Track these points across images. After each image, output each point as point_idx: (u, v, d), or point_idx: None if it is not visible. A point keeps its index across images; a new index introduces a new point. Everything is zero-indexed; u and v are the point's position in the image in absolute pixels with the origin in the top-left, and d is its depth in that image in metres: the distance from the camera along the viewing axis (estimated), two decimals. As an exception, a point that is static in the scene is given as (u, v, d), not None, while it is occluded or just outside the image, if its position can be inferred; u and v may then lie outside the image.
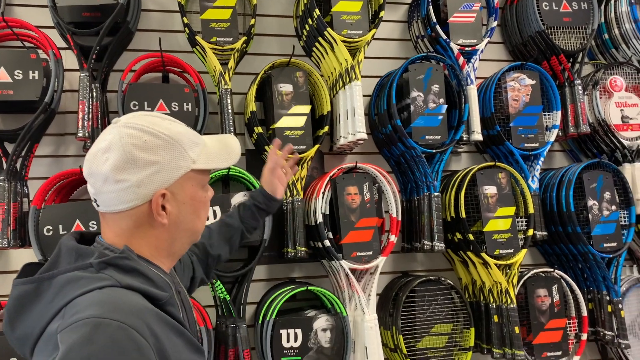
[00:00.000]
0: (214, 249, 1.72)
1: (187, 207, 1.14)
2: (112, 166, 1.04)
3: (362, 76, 2.50)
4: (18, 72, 2.21)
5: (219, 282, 2.28)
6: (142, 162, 1.05)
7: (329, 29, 2.44)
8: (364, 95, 2.52)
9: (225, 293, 2.27)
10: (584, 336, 2.62)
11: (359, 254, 2.38)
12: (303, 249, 2.40)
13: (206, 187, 1.21)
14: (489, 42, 2.80)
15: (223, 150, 1.22)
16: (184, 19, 2.43)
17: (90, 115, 2.28)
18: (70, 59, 2.40)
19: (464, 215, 2.50)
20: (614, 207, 2.70)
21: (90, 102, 2.29)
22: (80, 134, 2.23)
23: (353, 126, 2.44)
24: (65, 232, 2.14)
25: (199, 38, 2.42)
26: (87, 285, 0.96)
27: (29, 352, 0.99)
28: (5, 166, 2.18)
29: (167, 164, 1.08)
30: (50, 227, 2.13)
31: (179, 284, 1.26)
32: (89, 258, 1.03)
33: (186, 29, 2.43)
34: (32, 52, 2.26)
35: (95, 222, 2.16)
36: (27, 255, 2.35)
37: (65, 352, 0.85)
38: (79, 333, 0.87)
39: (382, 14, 2.57)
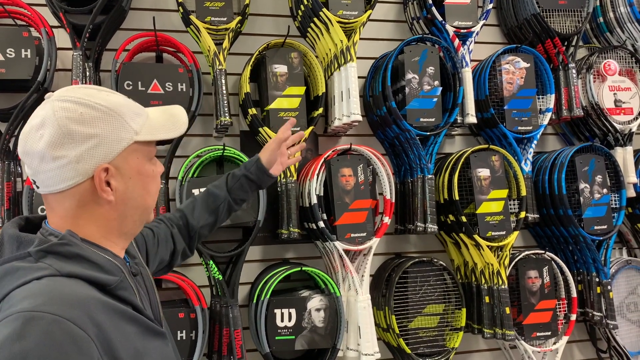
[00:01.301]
0: (197, 220, 1.67)
1: (135, 182, 1.08)
2: (48, 142, 0.98)
3: (357, 58, 2.49)
4: (10, 51, 2.19)
5: (212, 262, 2.29)
6: (80, 136, 0.99)
7: (324, 10, 2.43)
8: (358, 77, 2.51)
9: (218, 273, 2.29)
10: (573, 317, 2.66)
11: (352, 235, 2.40)
12: (297, 230, 2.41)
13: (154, 161, 1.15)
14: (484, 25, 2.79)
15: (168, 121, 1.15)
16: (178, -3, 2.40)
17: (83, 95, 2.26)
18: (62, 38, 2.37)
19: (457, 198, 2.52)
20: (605, 190, 2.73)
21: (84, 82, 2.27)
22: (73, 114, 2.22)
23: (348, 108, 2.44)
24: (59, 211, 2.13)
25: (193, 17, 2.40)
26: (24, 276, 0.90)
27: None
28: (-2, 145, 2.17)
29: (106, 136, 1.02)
30: (44, 207, 2.13)
31: (138, 265, 1.19)
32: (30, 246, 0.96)
33: (180, 8, 2.41)
34: (24, 30, 2.24)
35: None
36: (21, 235, 2.35)
37: None
38: (9, 328, 0.81)
39: (377, -6, 2.55)
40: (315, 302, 2.33)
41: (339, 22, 2.45)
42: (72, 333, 0.84)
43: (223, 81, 2.38)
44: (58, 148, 0.98)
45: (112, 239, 1.09)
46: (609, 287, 2.70)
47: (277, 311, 2.28)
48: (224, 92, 2.38)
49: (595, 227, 2.69)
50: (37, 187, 1.04)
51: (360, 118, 2.43)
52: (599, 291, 2.71)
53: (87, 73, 2.30)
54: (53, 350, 0.81)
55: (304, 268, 2.39)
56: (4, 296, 0.89)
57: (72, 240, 0.99)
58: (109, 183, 1.04)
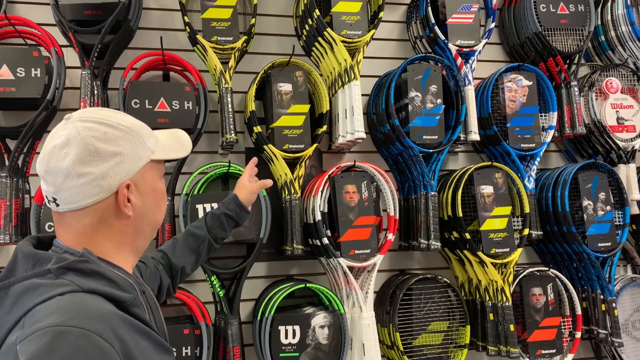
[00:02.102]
0: (179, 260, 1.70)
1: (150, 199, 1.13)
2: (74, 160, 1.02)
3: (361, 76, 2.53)
4: (20, 70, 2.23)
5: (215, 278, 2.31)
6: (105, 154, 1.04)
7: (328, 29, 2.47)
8: (362, 95, 2.54)
9: (220, 289, 2.30)
10: (578, 334, 2.66)
11: (357, 251, 2.41)
12: (301, 246, 2.42)
13: (162, 179, 1.21)
14: (486, 43, 2.83)
15: (175, 142, 1.23)
16: (185, 17, 2.45)
17: (91, 113, 2.29)
18: (71, 57, 2.41)
19: (460, 214, 2.53)
20: (608, 208, 2.73)
21: (92, 100, 2.31)
22: (81, 132, 2.25)
23: (352, 125, 2.47)
24: (66, 228, 2.16)
25: (199, 37, 2.44)
26: (46, 292, 0.92)
27: None
28: (7, 163, 2.20)
29: (129, 154, 1.08)
30: (52, 224, 2.16)
31: (144, 284, 1.24)
32: (47, 264, 0.98)
33: (187, 27, 2.45)
34: (35, 49, 2.28)
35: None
36: (28, 251, 2.38)
37: None
38: (39, 343, 0.83)
39: (381, 14, 2.59)
40: (320, 319, 2.33)
41: (343, 41, 2.49)
42: (100, 346, 0.86)
43: (229, 99, 2.41)
44: (84, 165, 1.02)
45: (125, 255, 1.13)
46: (613, 305, 2.69)
47: (282, 328, 2.28)
48: (230, 110, 2.41)
49: (599, 244, 2.69)
50: (57, 205, 1.05)
51: (364, 135, 2.45)
52: (603, 308, 2.70)
53: (95, 91, 2.34)
54: None
55: (308, 285, 2.39)
56: (26, 312, 0.91)
57: (91, 258, 1.02)
58: (129, 199, 1.09)
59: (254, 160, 1.99)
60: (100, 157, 1.03)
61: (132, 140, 1.09)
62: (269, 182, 1.94)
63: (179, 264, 1.70)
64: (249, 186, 1.89)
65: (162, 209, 1.20)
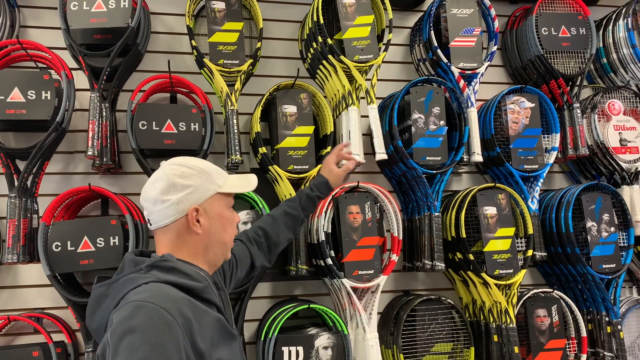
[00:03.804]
0: (277, 235, 1.99)
1: (216, 222, 1.44)
2: (159, 190, 1.38)
3: (364, 98, 2.57)
4: (31, 92, 2.28)
5: (222, 298, 2.32)
6: (180, 186, 1.39)
7: (342, 57, 2.52)
8: (362, 117, 2.58)
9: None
10: (584, 357, 2.64)
11: (360, 272, 2.42)
12: (305, 267, 2.44)
13: (232, 210, 1.51)
14: (489, 66, 2.86)
15: (243, 182, 1.55)
16: (192, 41, 2.50)
17: (99, 134, 2.34)
18: (81, 80, 2.46)
19: (464, 235, 2.54)
20: (612, 229, 2.73)
21: (100, 122, 2.36)
22: (90, 153, 2.29)
23: (355, 147, 2.49)
24: (73, 248, 2.19)
25: (206, 60, 2.49)
26: (137, 281, 1.27)
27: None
28: (16, 183, 2.24)
29: (198, 187, 1.41)
30: (59, 243, 2.19)
31: (221, 283, 1.56)
32: (142, 265, 1.33)
33: (194, 51, 2.51)
34: (45, 72, 2.33)
35: (102, 239, 2.21)
36: (36, 270, 2.41)
37: (114, 325, 1.16)
38: (125, 312, 1.17)
39: (389, 36, 2.64)
40: (323, 340, 2.33)
41: (355, 66, 2.53)
42: (165, 318, 1.16)
43: (235, 121, 2.45)
44: (165, 194, 1.38)
45: (199, 263, 1.43)
46: (619, 327, 2.67)
47: (285, 349, 2.28)
48: (236, 131, 2.45)
49: (604, 266, 2.68)
50: (150, 225, 1.42)
51: (385, 156, 2.50)
52: (609, 331, 2.68)
53: (104, 113, 2.39)
54: (152, 328, 1.14)
55: (311, 305, 2.40)
56: (124, 295, 1.25)
57: (170, 258, 1.35)
58: (199, 220, 1.41)
59: (345, 143, 2.27)
60: (177, 188, 1.39)
61: (203, 177, 1.42)
62: (351, 166, 2.18)
63: (278, 239, 2.00)
64: (337, 171, 2.14)
65: (229, 232, 1.50)
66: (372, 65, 2.58)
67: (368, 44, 2.60)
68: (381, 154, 2.49)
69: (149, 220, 1.43)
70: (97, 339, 1.32)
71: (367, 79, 2.60)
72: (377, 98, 2.85)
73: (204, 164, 1.46)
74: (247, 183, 1.56)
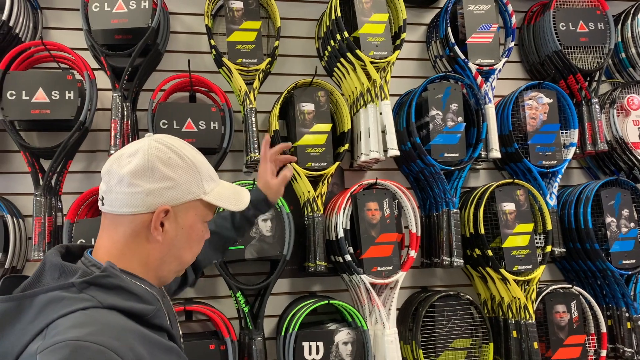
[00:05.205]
0: (204, 258, 1.67)
1: (183, 233, 1.16)
2: (132, 169, 1.09)
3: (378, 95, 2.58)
4: (55, 93, 2.32)
5: (240, 294, 2.35)
6: (159, 174, 1.10)
7: (357, 51, 2.53)
8: (381, 113, 2.59)
9: (245, 305, 2.34)
10: (604, 353, 2.63)
11: (379, 268, 2.44)
12: (323, 263, 2.46)
13: (206, 225, 1.24)
14: (506, 62, 2.86)
15: (233, 197, 1.26)
16: (211, 41, 2.53)
17: (121, 133, 2.38)
18: (102, 80, 2.50)
19: (482, 232, 2.55)
20: (632, 225, 2.72)
21: (122, 121, 2.39)
22: (112, 151, 2.33)
23: (374, 144, 2.50)
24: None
25: (225, 59, 2.52)
26: (69, 306, 0.96)
27: None
28: (41, 182, 2.28)
29: (181, 184, 1.12)
30: (83, 240, 2.23)
31: (164, 291, 1.28)
32: (72, 276, 1.02)
33: (213, 50, 2.54)
34: (68, 73, 2.37)
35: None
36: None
37: None
38: (59, 355, 0.87)
39: (403, 35, 2.64)
40: (343, 336, 2.35)
41: (371, 62, 2.54)
42: None
43: (253, 119, 2.48)
44: (137, 177, 1.09)
45: (149, 277, 1.16)
46: (639, 323, 2.66)
47: (305, 344, 2.31)
48: (254, 129, 2.47)
49: (624, 262, 2.67)
50: (102, 204, 1.13)
51: (398, 153, 2.50)
52: (629, 327, 2.67)
53: (125, 112, 2.42)
54: None
55: (331, 301, 2.42)
56: (49, 323, 0.94)
57: (113, 272, 1.05)
58: (163, 224, 1.12)
59: (267, 140, 1.85)
60: (154, 176, 1.10)
61: (190, 174, 1.14)
62: (289, 174, 1.86)
63: (204, 261, 1.72)
64: (274, 184, 1.80)
65: (194, 249, 1.22)
66: (388, 62, 2.58)
67: (383, 41, 2.61)
68: (393, 150, 2.49)
69: (102, 197, 1.13)
70: None
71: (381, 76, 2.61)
72: (394, 95, 2.88)
73: (197, 158, 1.18)
74: (237, 200, 1.27)
